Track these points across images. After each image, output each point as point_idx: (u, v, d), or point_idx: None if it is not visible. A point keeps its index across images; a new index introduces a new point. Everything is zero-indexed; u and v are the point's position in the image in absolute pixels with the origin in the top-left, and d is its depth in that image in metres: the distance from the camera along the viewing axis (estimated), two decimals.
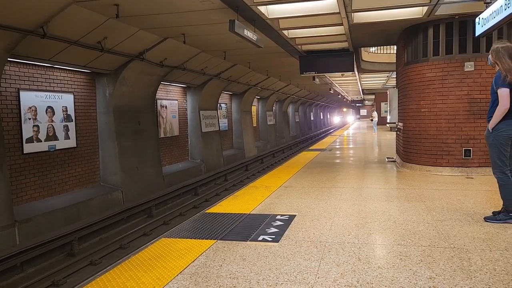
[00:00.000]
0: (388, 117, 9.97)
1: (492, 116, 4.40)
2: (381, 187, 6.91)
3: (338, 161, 10.80)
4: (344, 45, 10.70)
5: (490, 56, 4.44)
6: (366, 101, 59.09)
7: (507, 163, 4.44)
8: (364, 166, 9.71)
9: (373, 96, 42.50)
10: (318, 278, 3.15)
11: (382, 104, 33.71)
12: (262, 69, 16.98)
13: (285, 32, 9.27)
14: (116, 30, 8.25)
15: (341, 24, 8.31)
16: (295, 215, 5.05)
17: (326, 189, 6.76)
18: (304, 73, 11.58)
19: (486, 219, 4.60)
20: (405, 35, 8.72)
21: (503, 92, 4.24)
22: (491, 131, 4.43)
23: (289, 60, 13.20)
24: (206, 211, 5.47)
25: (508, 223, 4.43)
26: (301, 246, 3.89)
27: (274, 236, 4.23)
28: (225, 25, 6.94)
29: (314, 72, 11.55)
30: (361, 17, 8.03)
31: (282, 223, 4.73)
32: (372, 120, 27.18)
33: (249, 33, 7.45)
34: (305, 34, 9.69)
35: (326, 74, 16.64)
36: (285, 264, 3.46)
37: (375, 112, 27.35)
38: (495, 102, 4.39)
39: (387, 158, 10.80)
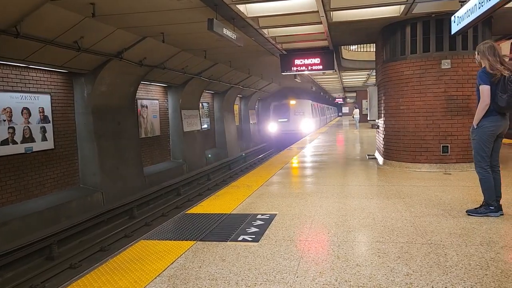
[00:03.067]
0: (368, 115, 10.06)
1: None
2: (361, 184, 6.98)
3: (320, 158, 10.86)
4: (324, 43, 10.75)
5: (476, 56, 4.57)
6: (348, 99, 59.52)
7: (487, 159, 4.56)
8: (345, 163, 9.78)
9: (354, 94, 42.89)
10: (297, 277, 3.15)
11: (364, 101, 34.02)
12: (243, 67, 16.94)
13: (265, 30, 9.26)
14: (93, 29, 8.11)
15: (320, 23, 8.33)
16: (276, 214, 5.05)
17: (307, 187, 6.78)
18: (285, 71, 11.59)
19: (468, 212, 4.71)
20: (384, 34, 8.81)
21: (484, 89, 4.39)
22: (475, 127, 4.54)
23: (270, 58, 13.20)
24: (187, 212, 5.43)
25: (489, 216, 4.54)
26: (280, 246, 3.89)
27: (254, 236, 4.22)
28: (204, 24, 6.88)
29: (295, 71, 11.57)
30: (340, 16, 8.08)
31: (262, 222, 4.73)
32: (353, 117, 27.45)
33: (228, 32, 7.41)
34: (285, 32, 9.69)
35: (307, 72, 16.67)
36: (265, 264, 3.45)
37: (357, 110, 27.60)
38: (477, 98, 4.52)
39: (368, 155, 10.90)
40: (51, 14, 6.98)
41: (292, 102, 27.43)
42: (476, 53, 4.57)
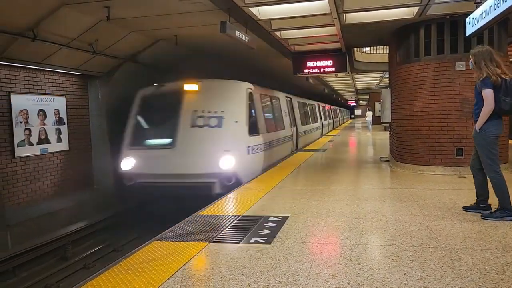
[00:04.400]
0: (381, 117, 9.99)
1: (476, 118, 4.53)
2: (374, 187, 6.93)
3: (332, 161, 10.81)
4: (337, 45, 10.71)
5: (471, 60, 4.60)
6: (361, 101, 59.14)
7: (498, 162, 4.56)
8: (358, 166, 9.72)
9: (367, 96, 42.62)
10: (310, 280, 3.14)
11: (376, 104, 33.74)
12: (256, 70, 16.95)
13: (278, 33, 9.27)
14: (107, 32, 8.22)
15: (333, 25, 8.31)
16: (288, 216, 5.04)
17: (320, 189, 6.76)
18: (298, 73, 11.58)
19: (483, 217, 4.66)
20: (397, 36, 8.74)
21: (487, 93, 4.38)
22: (478, 131, 4.54)
23: (283, 61, 13.20)
24: (199, 213, 5.45)
25: (505, 220, 4.49)
26: (293, 248, 3.89)
27: (266, 238, 4.22)
28: (217, 27, 6.92)
29: (307, 73, 11.56)
30: (353, 18, 8.04)
31: (275, 224, 4.73)
32: (366, 119, 27.27)
33: (241, 35, 7.44)
34: (298, 35, 9.68)
35: (320, 75, 16.65)
36: (277, 266, 3.45)
37: (370, 112, 27.41)
38: (479, 102, 4.53)
39: (381, 158, 10.82)
40: (67, 17, 7.09)
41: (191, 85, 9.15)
42: (471, 57, 4.59)
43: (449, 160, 7.75)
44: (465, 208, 5.03)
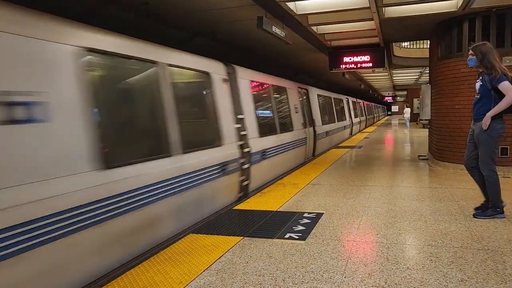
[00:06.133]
0: (420, 114, 9.70)
1: (482, 116, 4.46)
2: (412, 185, 6.75)
3: (367, 158, 10.61)
4: (375, 40, 10.48)
5: (475, 57, 4.55)
6: (398, 97, 57.72)
7: (495, 161, 4.57)
8: (395, 164, 9.50)
9: (405, 92, 41.52)
10: (345, 277, 3.11)
11: (415, 100, 32.80)
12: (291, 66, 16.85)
13: (314, 28, 9.17)
14: (146, 28, 8.38)
15: (372, 19, 8.13)
16: (323, 213, 5.00)
17: (355, 187, 6.66)
18: (334, 69, 11.43)
19: (476, 216, 4.67)
20: (439, 30, 8.45)
21: (506, 85, 4.33)
22: (485, 129, 4.45)
23: (318, 56, 13.06)
24: (234, 208, 5.50)
25: (496, 218, 4.55)
26: (328, 245, 3.86)
27: (301, 234, 4.20)
28: (254, 22, 6.93)
29: (343, 68, 11.38)
30: (392, 12, 7.84)
31: (309, 221, 4.70)
32: (404, 116, 26.57)
33: (277, 30, 7.41)
34: (335, 29, 9.54)
35: (357, 70, 16.33)
36: (312, 262, 3.44)
37: (408, 108, 26.69)
38: (483, 99, 4.50)
39: (419, 156, 10.53)
40: (108, 14, 7.28)
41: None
42: (478, 53, 4.51)
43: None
44: (476, 215, 4.75)
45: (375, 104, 44.90)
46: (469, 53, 4.66)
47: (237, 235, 4.26)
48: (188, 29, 9.24)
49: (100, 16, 7.28)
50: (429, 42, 10.69)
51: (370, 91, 36.82)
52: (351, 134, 19.36)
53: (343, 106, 18.95)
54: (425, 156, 10.26)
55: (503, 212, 4.61)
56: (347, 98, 20.95)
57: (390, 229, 4.30)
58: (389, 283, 2.99)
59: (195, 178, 5.03)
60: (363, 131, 24.32)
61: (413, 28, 9.04)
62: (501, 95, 4.38)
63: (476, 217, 4.63)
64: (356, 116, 22.43)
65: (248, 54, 12.82)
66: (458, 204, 5.29)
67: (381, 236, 4.07)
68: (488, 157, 4.51)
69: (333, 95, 17.00)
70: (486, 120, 4.42)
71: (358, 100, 25.60)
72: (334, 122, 15.93)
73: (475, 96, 4.69)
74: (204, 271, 3.34)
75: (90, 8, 6.98)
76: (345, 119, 18.83)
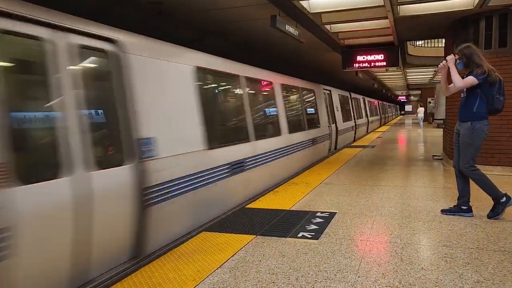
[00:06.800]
0: (435, 113, 9.60)
1: (468, 116, 4.45)
2: (426, 185, 6.68)
3: (381, 158, 10.53)
4: (389, 39, 10.38)
5: (461, 61, 4.54)
6: (412, 97, 57.14)
7: (475, 162, 4.55)
8: (408, 163, 9.41)
9: (419, 92, 41.10)
10: (359, 277, 3.09)
11: (430, 99, 32.46)
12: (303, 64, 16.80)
13: (328, 26, 9.12)
14: (158, 28, 8.43)
15: (386, 18, 8.06)
16: (336, 213, 4.98)
17: (368, 187, 6.62)
18: (347, 68, 11.36)
19: (490, 217, 4.59)
20: (454, 28, 8.34)
21: (471, 81, 4.36)
22: (472, 130, 4.42)
23: (331, 55, 13.00)
24: (246, 206, 5.51)
25: (462, 216, 4.62)
26: (341, 244, 3.84)
27: (314, 233, 4.19)
28: (267, 21, 6.92)
29: (357, 67, 11.31)
30: (407, 10, 7.76)
31: (322, 220, 4.69)
32: (417, 116, 26.29)
33: (290, 29, 7.39)
34: (348, 28, 9.48)
35: (370, 69, 16.21)
36: (325, 261, 3.42)
37: (421, 108, 26.40)
38: (468, 99, 4.47)
39: (433, 156, 10.41)
40: (120, 13, 7.34)
41: None
42: (462, 56, 4.51)
43: (508, 159, 7.32)
44: (444, 211, 4.84)
45: (388, 104, 44.43)
46: (456, 57, 4.63)
47: (250, 233, 4.27)
48: (199, 28, 9.27)
49: (112, 15, 7.34)
50: (444, 41, 10.55)
51: (384, 90, 36.51)
52: (354, 139, 19.19)
53: (349, 105, 18.98)
54: (439, 156, 10.15)
55: (470, 211, 4.64)
56: (363, 98, 21.99)
57: (404, 229, 4.26)
58: (403, 283, 2.96)
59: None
60: (376, 130, 24.13)
61: (428, 26, 8.93)
62: (487, 94, 4.36)
63: (491, 218, 4.54)
64: (361, 117, 22.11)
65: (260, 53, 12.81)
66: (474, 205, 5.20)
67: (395, 236, 4.04)
68: (470, 159, 4.49)
69: (352, 95, 18.50)
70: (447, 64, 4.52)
71: (367, 99, 25.36)
72: (352, 120, 17.45)
73: (461, 95, 4.65)
74: (217, 268, 3.35)
75: (102, 6, 7.05)
76: (350, 120, 18.93)
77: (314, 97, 11.46)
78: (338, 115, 14.25)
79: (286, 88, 9.21)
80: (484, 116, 4.42)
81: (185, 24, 8.85)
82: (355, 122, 17.87)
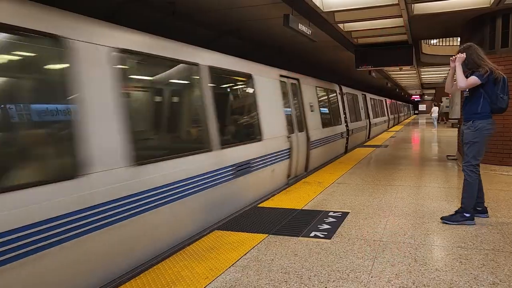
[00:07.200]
0: (450, 113, 9.48)
1: (472, 117, 4.35)
2: (440, 186, 6.61)
3: (394, 158, 10.44)
4: (403, 37, 10.28)
5: (461, 55, 4.40)
6: (426, 96, 56.51)
7: (479, 163, 4.40)
8: (422, 163, 9.31)
9: (433, 91, 40.61)
10: (372, 277, 3.07)
11: (444, 99, 32.07)
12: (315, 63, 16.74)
13: (341, 25, 9.07)
14: (173, 27, 8.48)
15: (400, 16, 7.98)
16: (348, 212, 4.96)
17: (381, 186, 6.57)
18: (360, 67, 11.28)
19: (443, 218, 4.51)
20: (470, 26, 8.22)
21: (474, 81, 4.27)
22: (475, 129, 4.32)
23: (344, 54, 12.92)
24: (258, 205, 5.51)
25: (464, 225, 4.33)
26: (354, 244, 3.82)
27: (326, 233, 4.18)
28: (280, 20, 6.91)
29: (370, 66, 11.22)
30: (421, 8, 7.68)
31: (334, 220, 4.67)
32: (431, 115, 25.97)
33: (303, 28, 7.37)
34: (362, 27, 9.41)
35: (383, 68, 16.08)
36: (338, 261, 3.41)
37: (435, 107, 26.07)
38: (471, 98, 4.39)
39: (447, 156, 10.28)
40: (134, 13, 7.41)
41: None
42: (464, 54, 4.40)
43: None
44: (444, 218, 4.57)
45: (402, 103, 43.99)
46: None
47: (262, 232, 4.27)
48: (213, 27, 9.30)
49: (126, 14, 7.41)
50: (459, 39, 10.41)
51: (397, 90, 36.18)
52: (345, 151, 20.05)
53: (356, 103, 19.78)
54: (454, 156, 10.02)
55: (473, 219, 4.37)
56: (365, 94, 21.88)
57: (418, 230, 4.22)
58: (417, 284, 2.94)
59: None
60: (389, 130, 23.92)
61: (443, 25, 8.82)
62: (490, 93, 4.28)
63: (445, 222, 4.42)
64: (365, 118, 22.65)
65: (273, 52, 12.79)
66: (489, 206, 5.13)
67: (408, 237, 4.01)
68: (473, 159, 4.36)
69: (370, 96, 19.40)
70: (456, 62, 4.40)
71: (375, 97, 25.37)
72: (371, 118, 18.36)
73: (464, 94, 4.58)
74: (229, 267, 3.36)
75: (116, 6, 7.12)
76: (385, 116, 22.60)
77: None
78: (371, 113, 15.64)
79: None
80: (488, 115, 4.32)
81: (200, 24, 8.88)
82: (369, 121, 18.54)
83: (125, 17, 7.44)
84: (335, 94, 12.63)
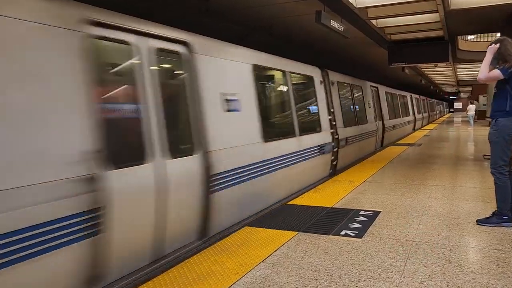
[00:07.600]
0: (488, 111, 9.17)
1: (496, 114, 4.18)
2: (476, 186, 6.41)
3: (427, 157, 10.18)
4: (439, 33, 10.00)
5: (494, 45, 4.15)
6: (462, 94, 54.75)
7: (508, 163, 4.16)
8: (457, 163, 9.05)
9: (469, 88, 39.33)
10: (404, 277, 3.02)
11: (480, 96, 31.02)
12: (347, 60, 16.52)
13: (374, 21, 8.92)
14: (206, 25, 8.57)
15: (436, 11, 7.77)
16: (380, 212, 4.88)
17: (414, 186, 6.43)
18: (393, 64, 11.06)
19: (478, 221, 4.32)
20: (509, 21, 7.91)
21: (497, 74, 4.04)
22: (495, 128, 4.18)
23: (377, 50, 12.69)
24: (288, 203, 5.51)
25: (502, 226, 4.13)
26: (385, 244, 3.77)
27: (357, 232, 4.14)
28: (312, 16, 6.87)
29: (404, 63, 10.98)
30: (459, 3, 7.45)
31: (365, 219, 4.61)
32: (467, 113, 25.14)
33: (335, 24, 7.29)
34: (396, 23, 9.23)
35: (418, 65, 15.72)
36: (369, 260, 3.37)
37: (472, 105, 25.22)
38: (499, 94, 4.18)
39: (484, 155, 9.94)
40: (160, 13, 7.53)
41: None
42: (498, 45, 4.13)
43: None
44: (480, 221, 4.37)
45: (437, 101, 42.75)
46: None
47: (292, 229, 4.27)
48: (245, 24, 9.33)
49: (162, 14, 7.54)
50: (499, 35, 10.03)
51: (431, 87, 35.21)
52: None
53: (407, 102, 20.06)
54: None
55: (511, 221, 4.17)
56: (411, 95, 21.93)
57: (453, 231, 4.11)
58: (451, 285, 2.87)
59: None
60: (423, 128, 23.34)
61: (481, 20, 8.53)
62: None
63: (479, 224, 4.27)
64: (419, 112, 22.92)
65: (305, 48, 12.70)
66: None
67: (442, 238, 3.91)
68: (498, 158, 4.16)
69: (399, 92, 18.24)
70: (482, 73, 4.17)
71: (422, 97, 25.09)
72: (400, 117, 17.63)
73: (494, 91, 4.35)
74: (259, 263, 3.38)
75: (151, 6, 7.25)
76: (409, 115, 20.52)
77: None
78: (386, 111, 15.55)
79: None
80: (509, 113, 4.07)
81: (232, 21, 8.93)
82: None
83: (166, 17, 7.58)
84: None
